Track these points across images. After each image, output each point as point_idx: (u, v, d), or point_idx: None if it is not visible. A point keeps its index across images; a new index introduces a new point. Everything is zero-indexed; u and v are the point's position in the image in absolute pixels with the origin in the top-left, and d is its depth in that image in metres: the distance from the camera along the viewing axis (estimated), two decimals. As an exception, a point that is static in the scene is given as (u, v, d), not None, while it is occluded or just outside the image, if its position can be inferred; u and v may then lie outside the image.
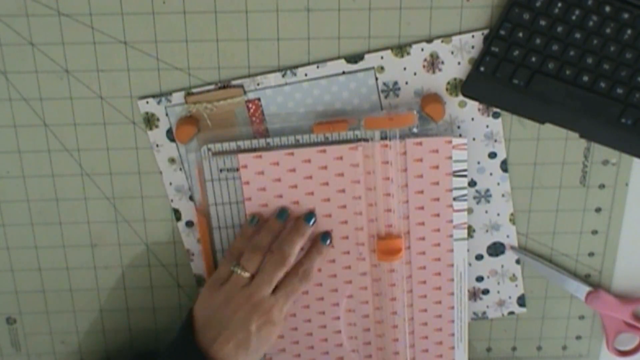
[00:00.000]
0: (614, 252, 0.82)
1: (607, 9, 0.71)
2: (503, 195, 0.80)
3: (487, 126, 0.77)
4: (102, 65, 0.74)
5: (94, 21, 0.72)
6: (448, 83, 0.76)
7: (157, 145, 0.76)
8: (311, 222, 0.76)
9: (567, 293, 0.84)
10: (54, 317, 0.84)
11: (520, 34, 0.72)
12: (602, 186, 0.80)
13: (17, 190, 0.78)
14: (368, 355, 0.82)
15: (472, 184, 0.79)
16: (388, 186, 0.76)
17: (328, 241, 0.77)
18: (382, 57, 0.74)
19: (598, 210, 0.81)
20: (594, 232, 0.82)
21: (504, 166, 0.79)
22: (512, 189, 0.80)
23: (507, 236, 0.82)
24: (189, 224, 0.79)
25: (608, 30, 0.71)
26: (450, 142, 0.75)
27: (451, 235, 0.78)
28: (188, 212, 0.79)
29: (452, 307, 0.81)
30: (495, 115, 0.77)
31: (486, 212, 0.80)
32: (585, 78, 0.72)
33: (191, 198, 0.78)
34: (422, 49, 0.74)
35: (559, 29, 0.72)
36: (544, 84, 0.73)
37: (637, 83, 0.72)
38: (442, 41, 0.74)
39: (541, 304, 0.85)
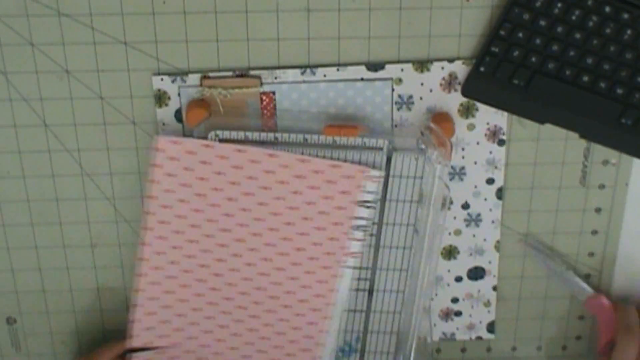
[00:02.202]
0: (614, 252, 0.83)
1: (607, 9, 0.71)
2: (493, 222, 0.80)
3: (491, 152, 0.77)
4: (102, 65, 0.74)
5: (94, 21, 0.72)
6: (461, 105, 0.76)
7: (163, 124, 0.76)
8: None
9: (567, 293, 0.84)
10: (54, 317, 0.84)
11: (520, 34, 0.72)
12: (602, 186, 0.80)
13: (17, 190, 0.78)
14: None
15: (465, 206, 0.80)
16: (294, 199, 0.75)
17: None
18: (402, 70, 0.74)
19: (598, 210, 0.81)
20: (594, 232, 0.82)
21: (499, 194, 0.79)
22: (512, 189, 0.80)
23: (490, 262, 0.82)
24: None
25: (608, 31, 0.71)
26: (363, 172, 0.74)
27: (342, 262, 0.77)
28: None
29: (325, 332, 0.80)
30: (500, 143, 0.77)
31: (473, 235, 0.81)
32: (585, 78, 0.72)
33: None
34: (443, 68, 0.74)
35: (559, 29, 0.72)
36: (544, 84, 0.73)
37: (637, 83, 0.72)
38: (462, 62, 0.74)
39: (541, 304, 0.85)
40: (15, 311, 0.83)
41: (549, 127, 0.75)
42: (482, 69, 0.73)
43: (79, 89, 0.75)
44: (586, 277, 0.83)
